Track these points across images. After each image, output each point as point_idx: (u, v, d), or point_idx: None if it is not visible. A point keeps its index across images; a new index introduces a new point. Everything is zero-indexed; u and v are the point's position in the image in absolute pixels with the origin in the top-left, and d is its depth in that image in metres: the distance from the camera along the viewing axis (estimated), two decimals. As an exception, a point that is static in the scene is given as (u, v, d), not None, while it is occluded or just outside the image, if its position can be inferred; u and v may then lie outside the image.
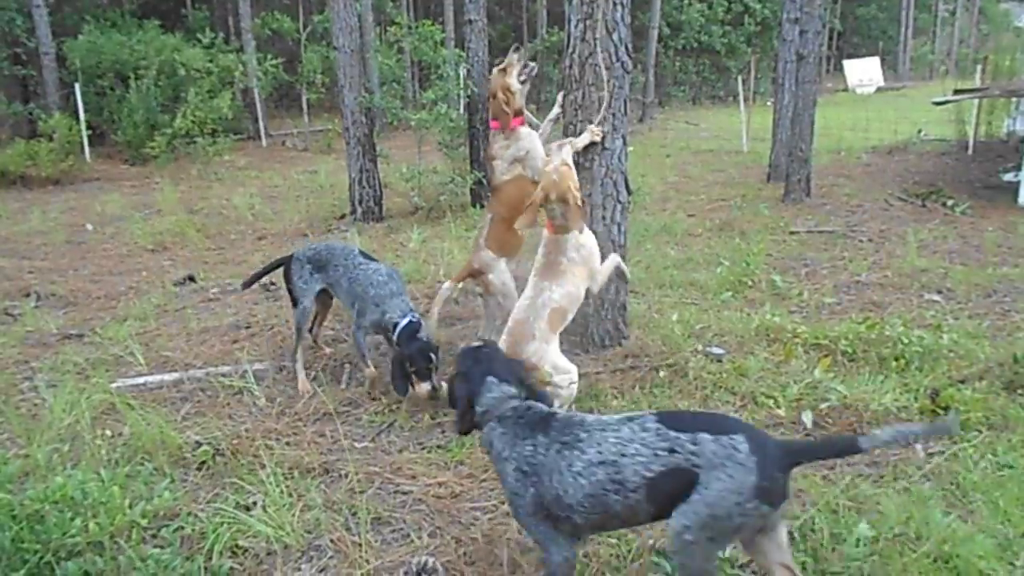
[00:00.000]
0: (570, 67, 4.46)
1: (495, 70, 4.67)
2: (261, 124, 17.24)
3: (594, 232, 4.53)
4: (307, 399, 4.24)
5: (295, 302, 4.58)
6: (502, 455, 2.35)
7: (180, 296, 6.40)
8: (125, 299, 6.35)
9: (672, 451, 2.10)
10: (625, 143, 4.58)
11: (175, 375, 4.64)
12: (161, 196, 10.82)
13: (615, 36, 4.34)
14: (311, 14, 17.55)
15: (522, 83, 4.59)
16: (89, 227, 9.27)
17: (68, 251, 8.17)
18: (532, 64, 4.67)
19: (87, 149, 14.36)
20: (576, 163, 4.47)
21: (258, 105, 17.17)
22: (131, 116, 14.10)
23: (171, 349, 5.11)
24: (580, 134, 4.39)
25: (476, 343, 3.40)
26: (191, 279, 6.83)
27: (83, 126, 14.07)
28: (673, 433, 2.12)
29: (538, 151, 4.55)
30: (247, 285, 5.05)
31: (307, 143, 16.88)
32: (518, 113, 4.60)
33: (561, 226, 3.80)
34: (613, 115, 4.43)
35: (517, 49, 4.64)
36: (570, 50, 4.44)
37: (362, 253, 4.54)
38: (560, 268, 3.77)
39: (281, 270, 4.72)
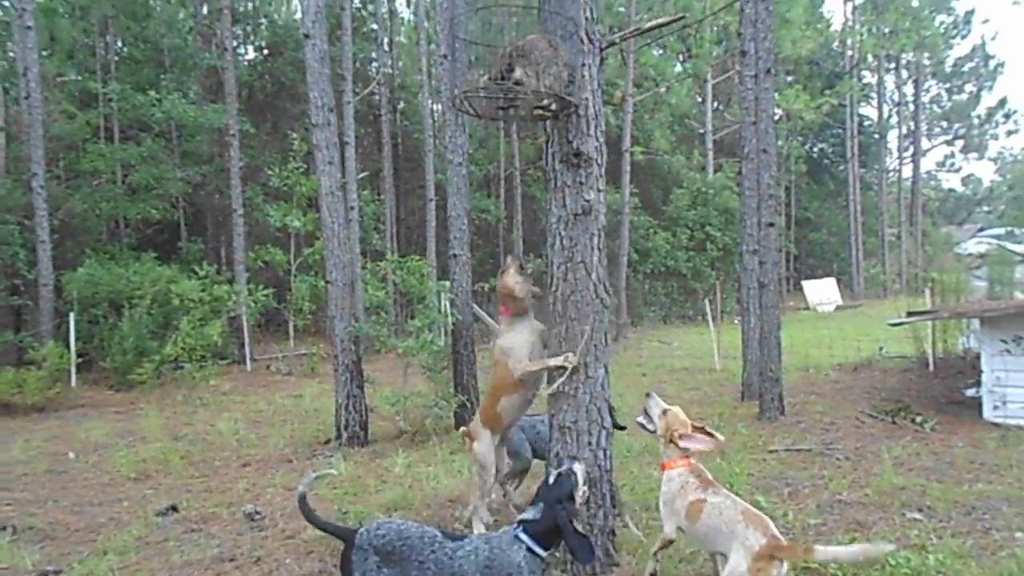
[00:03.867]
0: (554, 304, 4.86)
1: (499, 273, 5.28)
2: (247, 349, 17.63)
3: (580, 459, 4.74)
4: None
5: None
6: None
7: (162, 527, 6.29)
8: (106, 531, 6.22)
9: None
10: (607, 371, 4.89)
11: (157, 614, 4.52)
12: (146, 422, 10.85)
13: (593, 276, 4.79)
14: (301, 247, 18.61)
15: (522, 275, 5.17)
16: (72, 455, 9.19)
17: (48, 481, 8.06)
18: (529, 267, 5.29)
19: (74, 376, 14.51)
20: (562, 392, 4.79)
21: (245, 331, 17.66)
22: (121, 343, 14.43)
23: (153, 585, 5.00)
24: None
25: None
26: (174, 509, 6.74)
27: (73, 354, 14.33)
28: None
29: (519, 347, 5.02)
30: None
31: (291, 367, 17.19)
32: (517, 303, 5.13)
33: None
34: (595, 346, 4.78)
35: (510, 254, 5.36)
36: (553, 288, 4.87)
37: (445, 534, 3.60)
38: None
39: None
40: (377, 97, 26.73)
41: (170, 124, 20.52)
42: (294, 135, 18.44)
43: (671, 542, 4.29)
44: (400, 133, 29.78)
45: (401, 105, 30.15)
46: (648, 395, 4.73)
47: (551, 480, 3.63)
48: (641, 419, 4.89)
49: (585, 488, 3.71)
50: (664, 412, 4.53)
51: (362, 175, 22.22)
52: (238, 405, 12.81)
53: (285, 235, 19.15)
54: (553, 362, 4.74)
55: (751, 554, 3.60)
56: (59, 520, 6.57)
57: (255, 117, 24.22)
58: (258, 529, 6.11)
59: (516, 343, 5.06)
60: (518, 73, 4.38)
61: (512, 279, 5.15)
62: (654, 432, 4.61)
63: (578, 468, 3.71)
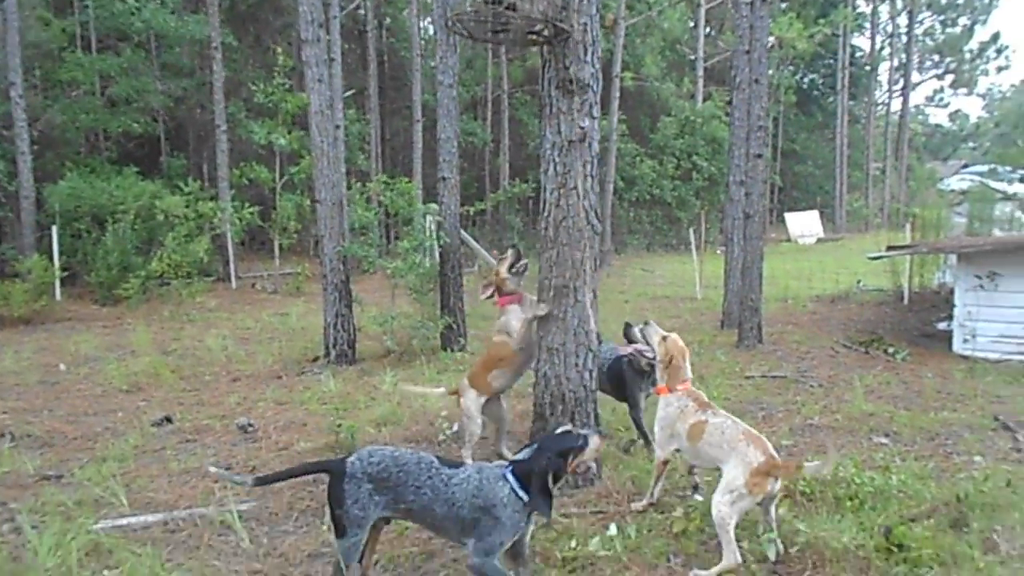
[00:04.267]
0: (546, 229, 4.96)
1: (497, 261, 5.51)
2: (232, 266, 17.63)
3: (567, 379, 4.94)
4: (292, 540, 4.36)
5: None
6: None
7: (158, 436, 6.48)
8: (102, 440, 6.39)
9: None
10: (595, 296, 5.03)
11: (159, 515, 4.71)
12: (134, 336, 10.96)
13: (585, 202, 4.88)
14: (286, 165, 18.40)
15: (512, 273, 5.34)
16: (62, 367, 9.31)
17: (42, 391, 8.19)
18: (525, 261, 5.42)
19: (58, 290, 14.50)
20: (551, 315, 4.94)
21: (229, 248, 17.63)
22: (106, 258, 14.38)
23: (153, 490, 5.18)
24: (553, 287, 4.88)
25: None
26: (168, 420, 6.92)
27: (57, 268, 14.29)
28: None
29: (512, 325, 5.26)
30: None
31: (276, 286, 17.25)
32: (508, 293, 5.34)
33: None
34: (584, 271, 4.91)
35: (514, 246, 5.54)
36: (545, 213, 4.96)
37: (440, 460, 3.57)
38: None
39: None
40: (362, 12, 25.98)
41: (149, 34, 19.90)
42: (279, 50, 18.01)
43: (667, 463, 4.50)
44: (386, 51, 29.11)
45: (387, 21, 29.38)
46: (647, 323, 4.83)
47: (557, 432, 3.61)
48: (637, 346, 5.06)
49: (593, 465, 3.68)
50: (664, 338, 4.62)
51: (348, 93, 21.82)
52: (225, 322, 12.92)
53: (268, 152, 18.90)
54: (531, 314, 5.05)
55: (750, 469, 3.82)
56: (56, 428, 6.73)
57: (237, 29, 23.53)
58: (252, 441, 6.32)
59: (511, 320, 5.28)
60: (516, -10, 4.35)
61: (504, 272, 5.34)
62: (653, 358, 4.67)
63: (594, 440, 3.55)
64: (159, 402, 7.71)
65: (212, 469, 3.74)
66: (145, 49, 20.61)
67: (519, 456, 3.49)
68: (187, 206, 15.52)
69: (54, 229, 14.81)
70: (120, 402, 7.73)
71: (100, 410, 7.42)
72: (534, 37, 4.65)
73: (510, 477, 3.38)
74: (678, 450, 4.42)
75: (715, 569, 3.77)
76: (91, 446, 6.25)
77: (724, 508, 3.79)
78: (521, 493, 3.34)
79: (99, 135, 20.09)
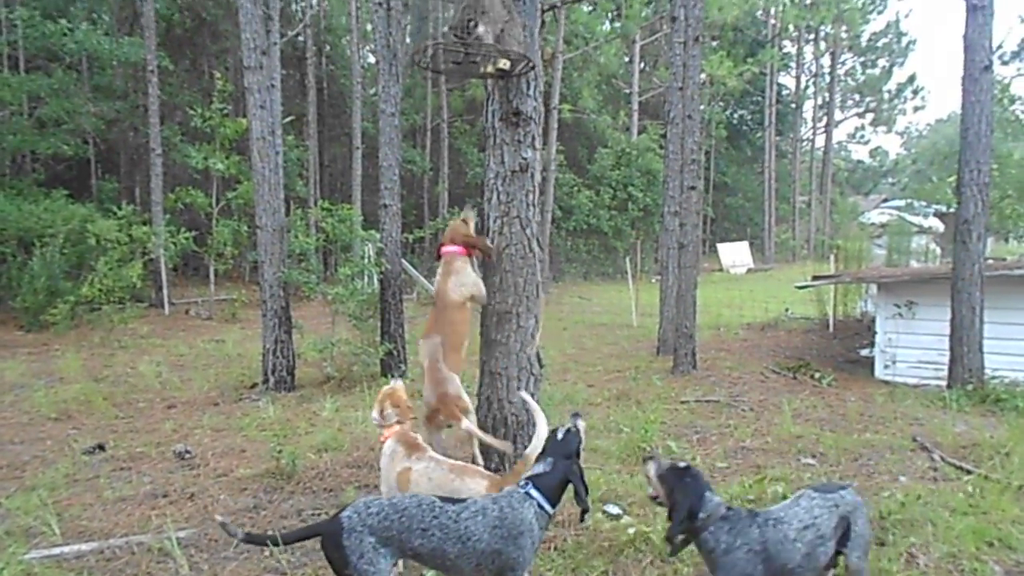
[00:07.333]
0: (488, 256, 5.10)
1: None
2: (165, 292, 17.22)
3: (510, 402, 5.06)
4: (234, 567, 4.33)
5: None
6: (732, 546, 3.17)
7: (91, 465, 6.32)
8: (31, 468, 6.21)
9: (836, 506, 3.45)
10: (537, 322, 5.17)
11: (94, 544, 4.62)
12: (63, 363, 10.61)
13: (528, 231, 5.04)
14: (223, 190, 18.14)
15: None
16: (-15, 395, 8.98)
17: (-37, 420, 7.89)
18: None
19: (-22, 315, 13.95)
20: (493, 340, 5.06)
21: (163, 273, 17.23)
22: (32, 283, 13.87)
23: (87, 518, 5.06)
24: (496, 313, 4.99)
25: (681, 464, 3.48)
26: (101, 448, 6.75)
27: (-21, 293, 13.76)
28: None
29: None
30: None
31: (211, 312, 16.91)
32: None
33: None
34: (527, 297, 5.05)
35: (474, 207, 5.29)
36: (489, 241, 5.10)
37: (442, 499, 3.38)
38: None
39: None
40: (302, 39, 25.96)
41: (81, 56, 19.43)
42: (218, 75, 17.83)
43: None
44: (325, 78, 29.08)
45: (327, 49, 29.39)
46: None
47: (559, 436, 3.51)
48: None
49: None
50: None
51: (287, 120, 21.71)
52: (158, 348, 12.61)
53: (203, 177, 18.59)
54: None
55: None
56: (-21, 458, 6.49)
57: (173, 53, 23.19)
58: (189, 468, 6.21)
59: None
60: (481, 29, 4.48)
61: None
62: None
63: (581, 424, 3.58)
64: (91, 430, 7.51)
65: (218, 518, 3.48)
66: (77, 70, 20.13)
67: (537, 470, 3.41)
68: (120, 230, 15.11)
69: (-23, 254, 14.25)
70: (48, 430, 7.49)
71: (27, 438, 7.18)
72: (497, 71, 4.73)
73: (535, 494, 3.29)
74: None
75: None
76: (19, 475, 6.06)
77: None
78: (547, 507, 3.28)
79: (26, 157, 19.46)
